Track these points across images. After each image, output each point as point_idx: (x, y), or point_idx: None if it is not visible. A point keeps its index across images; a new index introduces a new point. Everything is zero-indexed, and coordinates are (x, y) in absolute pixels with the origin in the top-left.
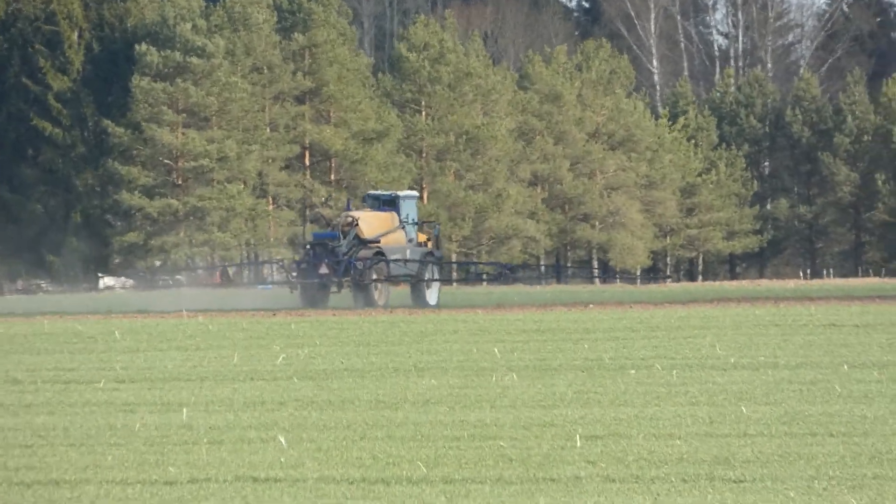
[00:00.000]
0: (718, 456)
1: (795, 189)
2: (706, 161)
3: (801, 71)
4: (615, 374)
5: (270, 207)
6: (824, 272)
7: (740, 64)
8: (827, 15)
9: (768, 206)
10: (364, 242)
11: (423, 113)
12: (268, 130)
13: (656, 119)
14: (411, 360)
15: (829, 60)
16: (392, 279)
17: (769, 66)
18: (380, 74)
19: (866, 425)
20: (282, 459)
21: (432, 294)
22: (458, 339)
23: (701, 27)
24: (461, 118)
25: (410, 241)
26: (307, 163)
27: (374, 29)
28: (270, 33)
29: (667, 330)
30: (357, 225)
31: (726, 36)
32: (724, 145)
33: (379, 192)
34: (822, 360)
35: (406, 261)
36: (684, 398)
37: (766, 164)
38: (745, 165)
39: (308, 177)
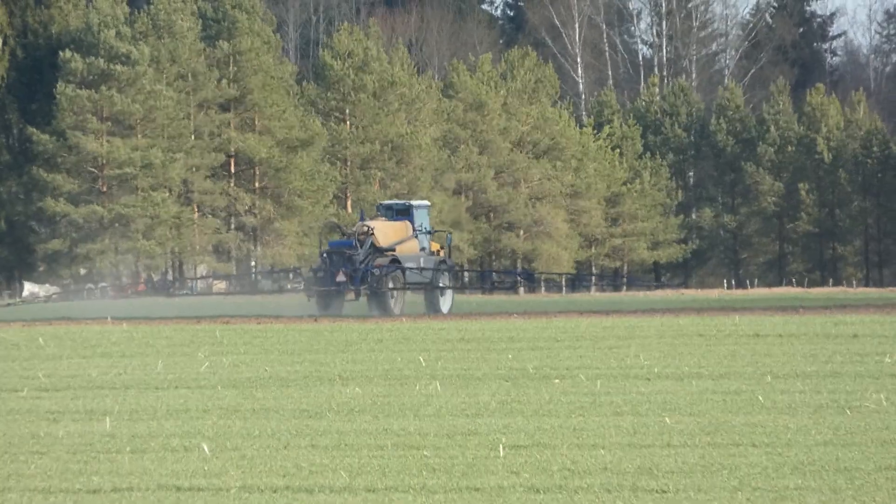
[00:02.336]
0: (642, 466)
1: (720, 199)
2: (631, 170)
3: (725, 80)
4: (539, 384)
5: (195, 215)
6: (748, 282)
7: (665, 73)
8: (750, 25)
9: (693, 216)
10: (380, 251)
11: (348, 121)
12: (192, 138)
13: (581, 128)
14: (336, 368)
15: (753, 70)
16: (408, 287)
17: (693, 75)
18: (304, 83)
19: (789, 436)
20: (205, 468)
21: (445, 302)
22: (383, 347)
23: (626, 36)
24: (385, 127)
25: (423, 249)
26: (232, 171)
27: (298, 37)
28: (195, 41)
29: (591, 340)
30: (373, 234)
31: (651, 45)
32: (648, 154)
33: (392, 201)
34: (746, 370)
35: (422, 269)
36: (608, 408)
37: (691, 173)
38: (669, 175)
39: (233, 185)
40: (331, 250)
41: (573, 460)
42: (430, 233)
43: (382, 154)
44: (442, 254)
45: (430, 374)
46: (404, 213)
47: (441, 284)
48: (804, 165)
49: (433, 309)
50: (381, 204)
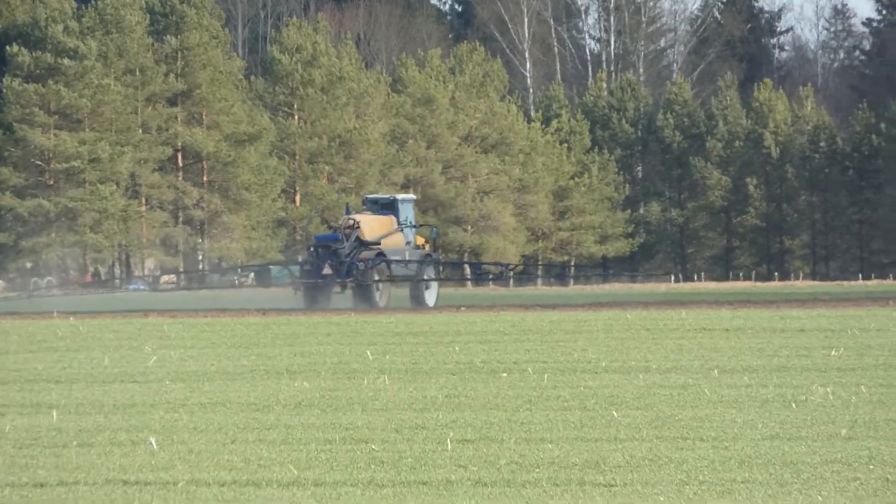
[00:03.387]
0: (589, 460)
1: (667, 193)
2: (579, 165)
3: (674, 76)
4: (487, 378)
5: (143, 209)
6: (695, 276)
7: (613, 68)
8: (699, 20)
9: (640, 210)
10: (365, 244)
11: (296, 116)
12: (140, 132)
13: (529, 122)
14: (283, 362)
15: (701, 65)
16: (393, 280)
17: (641, 70)
18: (252, 77)
19: (736, 430)
20: (152, 462)
21: (431, 295)
22: (331, 341)
23: (574, 31)
24: (334, 121)
25: (409, 243)
26: (180, 164)
27: (247, 31)
28: (143, 35)
29: (539, 333)
30: (358, 227)
31: (599, 40)
32: (596, 149)
33: (378, 195)
34: (693, 364)
35: (407, 262)
36: (556, 402)
37: (639, 168)
38: (617, 169)
39: (180, 178)
40: (317, 244)
41: (521, 454)
42: (415, 227)
43: (330, 148)
44: (427, 247)
45: (378, 367)
46: (389, 207)
47: (426, 277)
48: (752, 160)
49: (418, 302)
50: (366, 198)
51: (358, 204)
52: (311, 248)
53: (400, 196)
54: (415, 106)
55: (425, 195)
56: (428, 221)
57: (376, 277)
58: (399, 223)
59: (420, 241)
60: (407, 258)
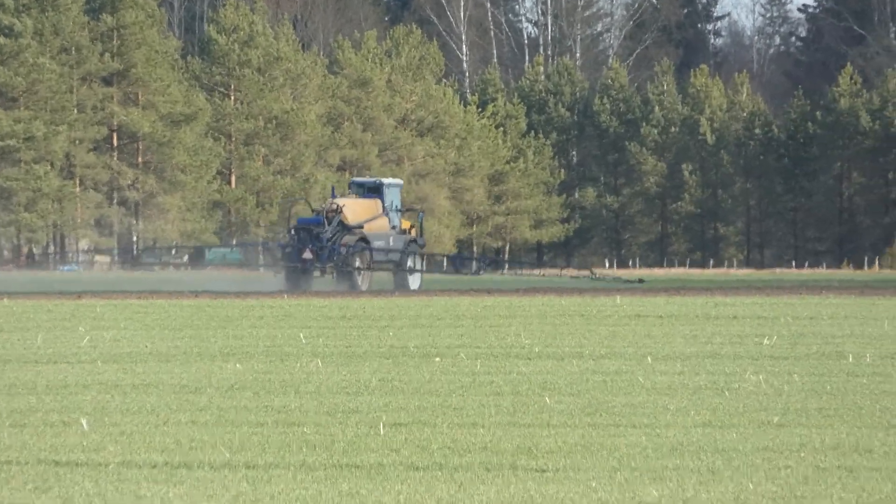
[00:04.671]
0: (522, 445)
1: (602, 179)
2: (514, 149)
3: (610, 60)
4: (420, 363)
5: (77, 189)
6: (630, 262)
7: (549, 52)
8: (635, 5)
9: (576, 196)
10: (348, 228)
11: (232, 97)
12: (76, 111)
13: (465, 106)
14: (217, 344)
15: (638, 50)
16: (372, 268)
17: (578, 54)
18: (189, 57)
19: (668, 417)
20: (84, 443)
21: (414, 279)
22: (265, 324)
23: (510, 15)
24: (270, 102)
25: (394, 227)
26: (115, 144)
27: (183, 11)
28: (79, 14)
29: (473, 319)
30: (342, 211)
31: (536, 24)
32: (532, 133)
33: (364, 179)
34: (627, 350)
35: (389, 249)
36: (489, 388)
37: (574, 153)
38: (553, 154)
39: (116, 159)
40: (299, 227)
41: (453, 439)
42: (400, 211)
43: (267, 130)
44: (413, 232)
45: (311, 351)
46: (375, 190)
47: (409, 264)
48: (687, 146)
49: (401, 286)
50: (352, 181)
51: (343, 187)
52: (293, 231)
53: (386, 180)
54: (351, 88)
55: (361, 177)
56: None
57: (357, 263)
58: (384, 207)
59: (406, 224)
60: (391, 243)
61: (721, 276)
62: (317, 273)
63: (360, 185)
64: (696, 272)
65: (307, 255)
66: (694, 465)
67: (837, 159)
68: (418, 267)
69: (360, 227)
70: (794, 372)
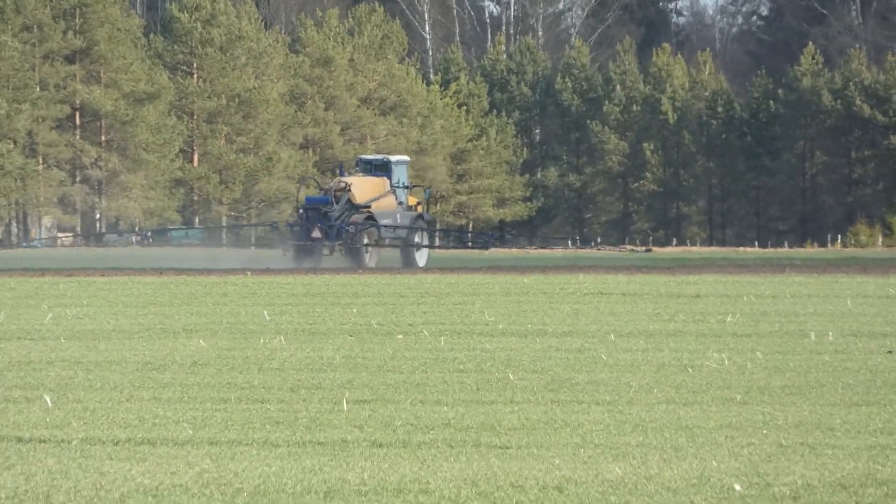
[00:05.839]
0: (485, 423)
1: (565, 157)
2: (477, 128)
3: (572, 39)
4: (383, 340)
5: (40, 167)
6: (592, 241)
7: (512, 31)
8: None
9: (538, 174)
10: (356, 207)
11: (195, 75)
12: (38, 90)
13: (428, 85)
14: (180, 321)
15: (600, 29)
16: (381, 245)
17: (540, 33)
18: (151, 35)
19: (631, 394)
20: (47, 419)
21: (421, 256)
22: (228, 301)
23: None
24: (232, 81)
25: (401, 204)
26: (78, 123)
27: None
28: None
29: (436, 296)
30: (350, 190)
31: (498, 3)
32: (494, 112)
33: (371, 156)
34: (590, 328)
35: (396, 226)
36: (452, 364)
37: (537, 131)
38: (515, 133)
39: (78, 137)
40: (307, 206)
41: (416, 415)
42: (407, 188)
43: (229, 108)
44: (420, 209)
45: (274, 328)
46: (383, 168)
47: (416, 240)
48: (649, 125)
49: (408, 262)
50: (360, 158)
51: (350, 164)
52: (301, 210)
53: (394, 157)
54: (313, 67)
55: (323, 156)
56: (326, 183)
57: (365, 241)
58: (391, 185)
59: (412, 201)
60: (398, 220)
61: (683, 254)
62: (325, 251)
63: (368, 162)
64: (658, 251)
65: (316, 233)
66: (657, 442)
67: (800, 138)
68: (425, 243)
69: (368, 205)
70: (757, 350)
